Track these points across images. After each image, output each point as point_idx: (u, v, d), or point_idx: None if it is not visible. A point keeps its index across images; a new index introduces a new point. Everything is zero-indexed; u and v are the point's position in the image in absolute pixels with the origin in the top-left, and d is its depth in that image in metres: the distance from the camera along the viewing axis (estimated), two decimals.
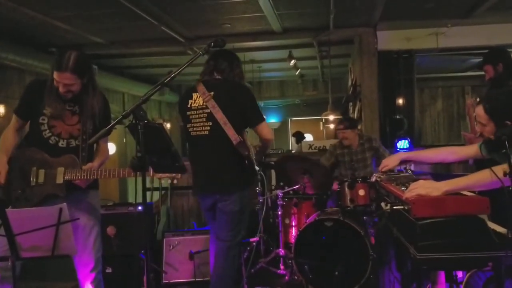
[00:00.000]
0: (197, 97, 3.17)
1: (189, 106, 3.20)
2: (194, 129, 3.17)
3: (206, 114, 3.11)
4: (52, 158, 2.83)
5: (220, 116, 3.05)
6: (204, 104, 3.11)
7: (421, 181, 2.31)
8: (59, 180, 2.79)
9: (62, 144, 2.88)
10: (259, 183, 4.72)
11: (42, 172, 2.81)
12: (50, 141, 2.86)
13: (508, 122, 2.23)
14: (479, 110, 2.46)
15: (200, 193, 3.29)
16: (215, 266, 3.21)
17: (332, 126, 9.34)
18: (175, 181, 2.79)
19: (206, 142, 3.13)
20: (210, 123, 3.10)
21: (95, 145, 3.02)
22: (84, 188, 2.88)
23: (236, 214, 3.12)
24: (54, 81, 2.78)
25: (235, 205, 3.11)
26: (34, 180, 2.80)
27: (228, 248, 3.15)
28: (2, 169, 2.79)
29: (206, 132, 3.11)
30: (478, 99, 4.21)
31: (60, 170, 2.80)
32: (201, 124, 3.13)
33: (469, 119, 4.34)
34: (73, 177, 2.79)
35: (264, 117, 3.22)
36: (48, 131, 2.86)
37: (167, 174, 2.67)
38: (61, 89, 2.79)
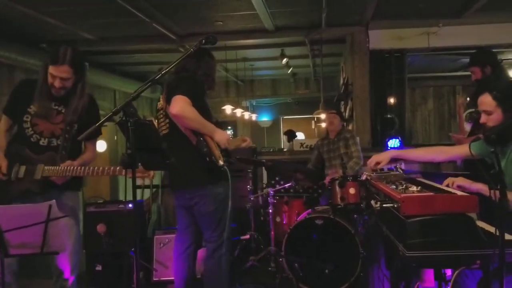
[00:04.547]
0: (162, 99, 3.19)
1: (157, 108, 3.29)
2: (161, 129, 3.19)
3: (164, 112, 3.14)
4: (35, 155, 2.85)
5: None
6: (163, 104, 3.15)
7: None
8: (37, 176, 2.81)
9: (43, 142, 2.89)
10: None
11: (23, 168, 2.84)
12: (32, 139, 2.88)
13: None
14: (485, 98, 2.46)
15: (172, 191, 3.38)
16: (206, 269, 3.17)
17: (323, 125, 9.36)
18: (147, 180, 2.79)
19: (169, 140, 3.03)
20: (168, 121, 3.11)
21: (83, 145, 3.03)
22: (60, 186, 2.87)
23: (213, 213, 3.07)
24: (50, 76, 2.79)
25: (209, 205, 3.05)
26: (15, 175, 2.82)
27: (214, 249, 3.11)
28: (2, 162, 2.82)
29: (167, 130, 3.13)
30: (468, 99, 4.25)
31: (40, 166, 2.82)
32: (163, 123, 3.17)
33: (459, 119, 4.36)
34: (50, 174, 2.80)
35: (189, 95, 2.86)
36: (30, 129, 2.88)
37: (139, 174, 2.63)
38: (57, 84, 2.79)
